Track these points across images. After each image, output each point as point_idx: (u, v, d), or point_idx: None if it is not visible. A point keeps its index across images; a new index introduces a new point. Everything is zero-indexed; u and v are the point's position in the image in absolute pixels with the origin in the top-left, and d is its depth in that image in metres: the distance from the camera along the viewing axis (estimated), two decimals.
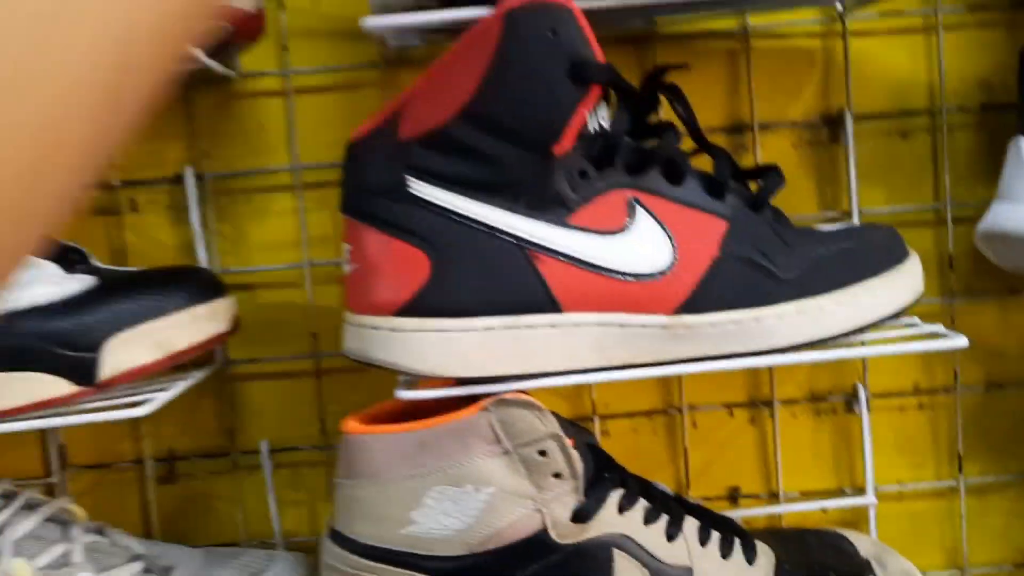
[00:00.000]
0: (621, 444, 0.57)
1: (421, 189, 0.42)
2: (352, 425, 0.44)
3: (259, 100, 0.56)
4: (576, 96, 0.40)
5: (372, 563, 0.42)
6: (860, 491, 0.57)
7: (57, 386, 0.44)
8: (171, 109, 0.56)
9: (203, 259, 0.55)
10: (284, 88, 0.55)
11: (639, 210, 0.42)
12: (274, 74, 0.55)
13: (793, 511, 0.57)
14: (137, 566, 0.48)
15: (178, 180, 0.56)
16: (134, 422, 0.57)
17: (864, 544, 0.48)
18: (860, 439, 0.56)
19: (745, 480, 0.58)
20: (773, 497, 0.58)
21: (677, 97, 0.44)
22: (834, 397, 0.58)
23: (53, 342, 0.44)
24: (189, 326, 0.47)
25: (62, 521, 0.48)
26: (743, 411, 0.58)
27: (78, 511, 0.49)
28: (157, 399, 0.44)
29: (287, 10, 0.55)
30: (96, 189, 0.56)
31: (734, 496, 0.58)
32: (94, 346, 0.44)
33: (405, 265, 0.42)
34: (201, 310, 0.47)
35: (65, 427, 0.54)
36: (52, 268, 0.47)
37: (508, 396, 0.40)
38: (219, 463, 0.57)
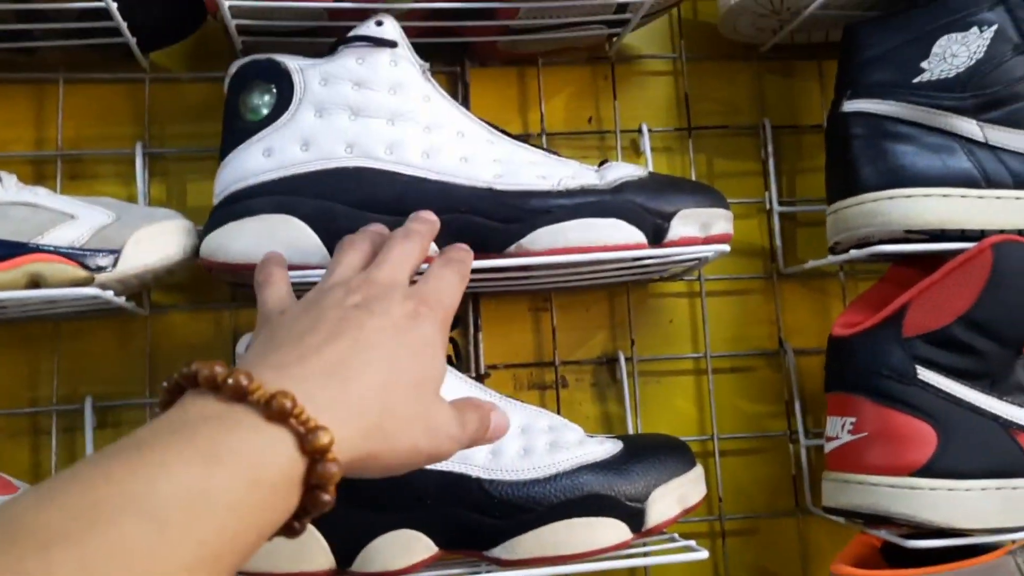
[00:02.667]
0: None
1: (928, 376, 0.54)
2: (846, 570, 0.53)
3: (669, 300, 0.68)
4: None
5: None
6: None
7: (619, 531, 0.52)
8: (596, 305, 0.67)
9: (630, 427, 0.64)
10: (691, 291, 0.68)
11: None
12: (689, 279, 0.67)
13: None
14: None
15: (599, 362, 0.66)
16: None
17: None
18: None
19: None
20: None
21: None
22: None
23: (619, 493, 0.52)
24: (694, 486, 0.56)
25: None
26: None
27: None
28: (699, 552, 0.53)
29: None
30: (534, 368, 0.66)
31: None
32: (643, 498, 0.53)
33: (916, 436, 0.53)
34: (695, 474, 0.56)
35: None
36: (579, 433, 0.56)
37: None
38: None
